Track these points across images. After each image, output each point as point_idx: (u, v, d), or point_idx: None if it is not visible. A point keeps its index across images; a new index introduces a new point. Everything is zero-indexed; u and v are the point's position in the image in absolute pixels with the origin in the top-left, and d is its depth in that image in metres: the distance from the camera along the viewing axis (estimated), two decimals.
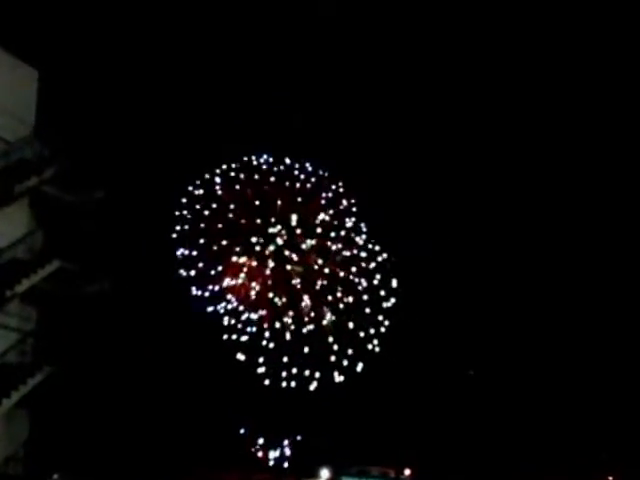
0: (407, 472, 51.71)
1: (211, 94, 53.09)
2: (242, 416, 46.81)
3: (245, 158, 50.50)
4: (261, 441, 47.87)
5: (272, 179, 50.03)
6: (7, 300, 31.08)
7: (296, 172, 50.91)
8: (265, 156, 50.86)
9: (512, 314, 56.67)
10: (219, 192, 49.06)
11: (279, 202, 49.17)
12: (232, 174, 49.88)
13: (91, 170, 36.12)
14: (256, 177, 49.92)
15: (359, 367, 47.58)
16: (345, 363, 47.79)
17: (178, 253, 46.88)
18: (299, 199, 49.96)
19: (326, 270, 49.04)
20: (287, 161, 51.05)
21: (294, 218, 48.94)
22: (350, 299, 49.19)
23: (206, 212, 48.11)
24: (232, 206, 48.66)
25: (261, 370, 46.28)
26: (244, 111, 51.97)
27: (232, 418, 45.98)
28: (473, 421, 52.45)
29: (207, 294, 46.96)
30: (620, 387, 52.30)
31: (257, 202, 48.88)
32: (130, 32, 48.54)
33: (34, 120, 35.41)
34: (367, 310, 49.24)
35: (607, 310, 55.72)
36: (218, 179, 49.41)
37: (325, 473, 48.51)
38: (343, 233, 50.44)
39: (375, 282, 49.96)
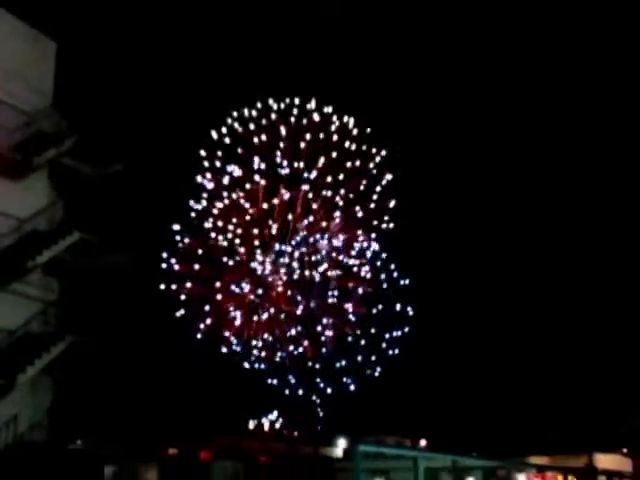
0: (423, 442, 52.00)
1: (225, 62, 53.24)
2: (260, 388, 47.19)
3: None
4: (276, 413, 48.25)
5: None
6: (29, 271, 31.42)
7: None
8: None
9: (526, 287, 57.08)
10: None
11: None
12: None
13: (109, 142, 36.25)
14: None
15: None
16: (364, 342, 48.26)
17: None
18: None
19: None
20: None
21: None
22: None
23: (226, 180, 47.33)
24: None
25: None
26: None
27: (251, 390, 46.36)
28: (490, 393, 52.75)
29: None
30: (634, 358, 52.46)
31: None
32: (148, 3, 48.61)
33: (53, 92, 35.59)
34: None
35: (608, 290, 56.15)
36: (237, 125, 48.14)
37: (342, 442, 48.81)
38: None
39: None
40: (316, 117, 48.26)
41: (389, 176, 49.65)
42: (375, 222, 49.46)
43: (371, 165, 49.61)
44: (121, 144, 37.26)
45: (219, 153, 47.13)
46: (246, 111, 48.08)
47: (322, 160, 47.51)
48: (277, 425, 47.89)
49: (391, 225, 49.65)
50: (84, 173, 35.42)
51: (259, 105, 48.35)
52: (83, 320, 32.27)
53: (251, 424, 46.54)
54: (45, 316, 32.57)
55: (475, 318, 55.82)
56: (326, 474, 40.21)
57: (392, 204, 49.28)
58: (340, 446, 48.48)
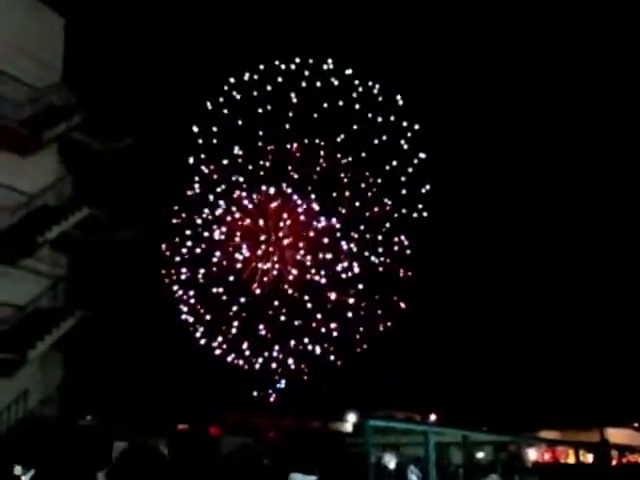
0: (433, 417, 52.05)
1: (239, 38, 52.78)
2: (270, 364, 47.21)
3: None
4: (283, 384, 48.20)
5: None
6: (38, 246, 31.50)
7: None
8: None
9: (538, 261, 56.93)
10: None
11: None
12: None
13: (119, 117, 36.16)
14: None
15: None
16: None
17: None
18: None
19: None
20: None
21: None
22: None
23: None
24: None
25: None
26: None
27: (260, 365, 46.40)
28: (500, 367, 52.71)
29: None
30: None
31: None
32: None
33: (62, 67, 35.50)
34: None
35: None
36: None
37: (352, 417, 48.91)
38: None
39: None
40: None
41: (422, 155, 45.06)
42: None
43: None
44: (131, 119, 37.18)
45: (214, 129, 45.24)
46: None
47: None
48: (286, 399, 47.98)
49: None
50: (93, 148, 35.42)
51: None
52: (92, 296, 32.34)
53: (260, 399, 46.60)
54: (54, 292, 32.68)
55: (483, 290, 55.76)
56: (337, 449, 40.32)
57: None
58: (350, 421, 48.59)
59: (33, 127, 32.04)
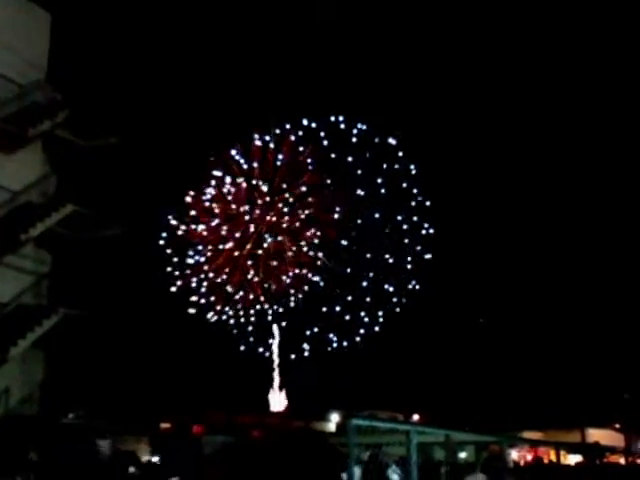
0: (416, 417, 52.17)
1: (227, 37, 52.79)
2: (255, 362, 47.26)
3: None
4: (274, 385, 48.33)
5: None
6: (22, 243, 31.36)
7: None
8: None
9: (524, 263, 57.08)
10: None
11: None
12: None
13: (104, 114, 36.04)
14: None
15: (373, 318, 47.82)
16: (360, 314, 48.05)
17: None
18: None
19: None
20: None
21: None
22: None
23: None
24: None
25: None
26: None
27: (245, 364, 46.44)
28: (482, 368, 52.85)
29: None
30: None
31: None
32: None
33: (47, 64, 35.30)
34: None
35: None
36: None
37: (335, 417, 49.04)
38: None
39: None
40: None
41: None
42: None
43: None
44: (115, 116, 37.05)
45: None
46: None
47: None
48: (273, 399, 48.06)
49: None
50: (78, 145, 35.22)
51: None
52: (76, 293, 32.17)
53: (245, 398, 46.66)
54: (38, 289, 32.53)
55: (467, 290, 55.95)
56: (320, 448, 40.30)
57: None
58: (333, 420, 48.69)
59: (17, 124, 31.87)
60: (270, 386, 48.41)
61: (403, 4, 62.52)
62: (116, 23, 44.82)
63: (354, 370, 48.69)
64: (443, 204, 52.69)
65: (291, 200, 47.44)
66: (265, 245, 47.18)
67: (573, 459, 39.42)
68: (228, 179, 47.00)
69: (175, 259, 45.78)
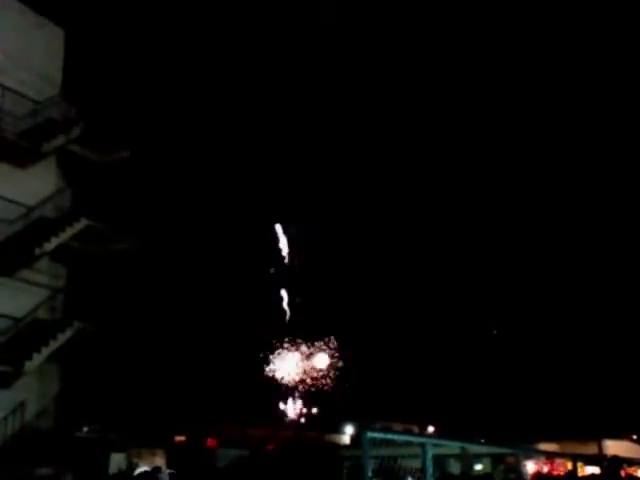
0: (430, 429, 52.03)
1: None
2: (268, 374, 47.25)
3: None
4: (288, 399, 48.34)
5: None
6: (37, 258, 31.51)
7: None
8: None
9: (539, 272, 56.89)
10: None
11: None
12: None
13: (118, 129, 36.22)
14: None
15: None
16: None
17: None
18: None
19: None
20: None
21: None
22: None
23: None
24: None
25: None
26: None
27: (258, 376, 46.44)
28: (497, 379, 52.67)
29: None
30: None
31: None
32: None
33: (61, 80, 35.53)
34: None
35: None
36: None
37: (349, 429, 48.90)
38: None
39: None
40: None
41: None
42: None
43: None
44: (129, 131, 37.25)
45: None
46: None
47: None
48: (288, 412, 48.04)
49: None
50: (92, 160, 35.39)
51: None
52: (90, 307, 32.32)
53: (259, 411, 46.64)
54: (52, 303, 32.65)
55: (479, 301, 55.80)
56: (332, 462, 40.24)
57: None
58: (347, 433, 48.56)
59: (32, 139, 32.08)
60: (284, 398, 48.42)
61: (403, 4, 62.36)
62: (129, 38, 45.05)
63: (368, 382, 48.63)
64: (453, 214, 52.68)
65: None
66: None
67: (589, 471, 39.09)
68: None
69: None
